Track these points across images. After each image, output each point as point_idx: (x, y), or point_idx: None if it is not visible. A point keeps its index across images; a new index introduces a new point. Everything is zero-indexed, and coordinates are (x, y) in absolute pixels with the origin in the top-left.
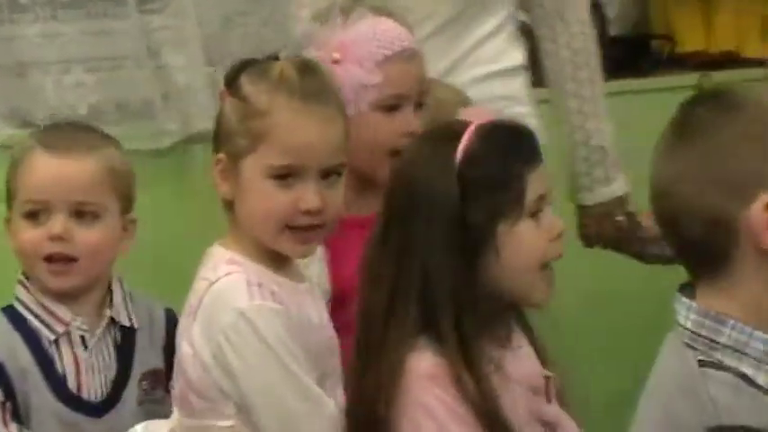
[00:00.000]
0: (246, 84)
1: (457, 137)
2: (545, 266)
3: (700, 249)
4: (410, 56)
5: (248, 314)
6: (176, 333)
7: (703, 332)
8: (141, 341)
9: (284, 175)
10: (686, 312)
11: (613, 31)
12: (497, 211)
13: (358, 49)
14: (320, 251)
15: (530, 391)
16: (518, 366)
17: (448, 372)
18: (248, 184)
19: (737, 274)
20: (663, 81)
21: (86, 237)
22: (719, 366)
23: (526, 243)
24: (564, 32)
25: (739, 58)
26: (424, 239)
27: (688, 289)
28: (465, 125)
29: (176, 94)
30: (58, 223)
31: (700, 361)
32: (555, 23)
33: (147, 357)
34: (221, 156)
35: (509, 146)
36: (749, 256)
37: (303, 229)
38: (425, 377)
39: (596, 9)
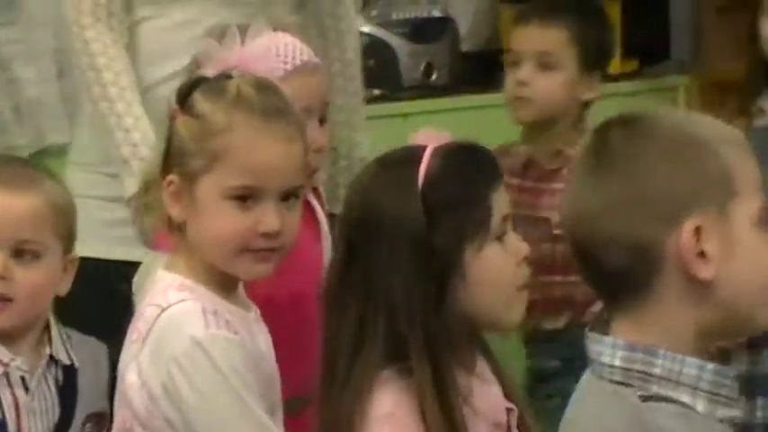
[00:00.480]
0: (201, 101)
1: (416, 160)
2: (518, 288)
3: (620, 279)
4: (312, 69)
5: (204, 343)
6: (119, 363)
7: (636, 366)
8: (84, 381)
9: (243, 197)
10: (611, 350)
11: (465, 46)
12: (464, 235)
13: (258, 66)
14: None
15: (493, 425)
16: (483, 397)
17: (408, 409)
18: (204, 205)
19: (661, 302)
20: None
21: (26, 277)
22: (661, 398)
23: (494, 268)
24: (336, 45)
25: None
26: (389, 266)
27: (599, 326)
28: (422, 149)
29: (28, 108)
30: None
31: (641, 396)
32: (329, 35)
33: (90, 399)
34: (173, 177)
35: (471, 166)
36: (674, 283)
37: (261, 250)
38: (383, 417)
39: (448, 25)
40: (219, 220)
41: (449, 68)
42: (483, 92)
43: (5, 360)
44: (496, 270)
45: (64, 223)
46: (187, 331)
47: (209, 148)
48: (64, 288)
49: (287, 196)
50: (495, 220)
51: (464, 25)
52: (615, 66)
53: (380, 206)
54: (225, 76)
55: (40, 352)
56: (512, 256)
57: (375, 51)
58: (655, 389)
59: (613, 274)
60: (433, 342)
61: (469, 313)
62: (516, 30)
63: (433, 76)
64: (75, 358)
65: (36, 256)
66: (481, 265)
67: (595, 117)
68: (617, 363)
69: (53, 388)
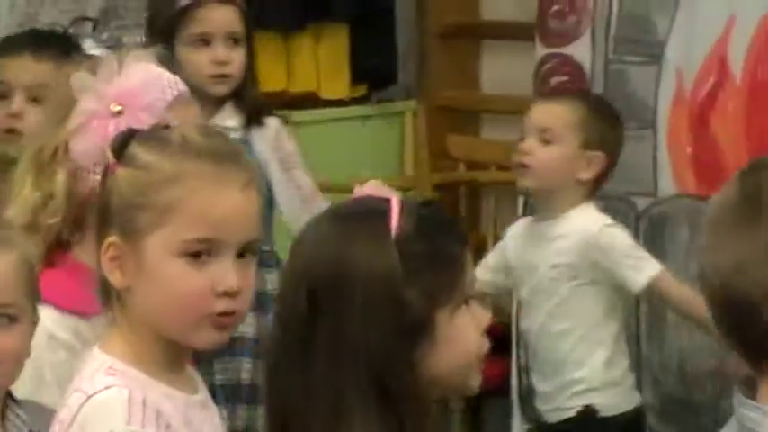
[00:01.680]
0: (143, 152)
1: (382, 213)
2: (478, 357)
3: None
4: (188, 100)
5: None
6: None
7: None
8: None
9: (198, 253)
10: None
11: None
12: (437, 292)
13: (141, 98)
14: None
15: None
16: None
17: None
18: (153, 267)
19: None
20: None
21: (5, 343)
22: None
23: (463, 331)
24: None
25: (318, 99)
26: (364, 322)
27: (744, 386)
28: (383, 201)
29: None
30: None
31: None
32: None
33: None
34: (113, 239)
35: (443, 224)
36: None
37: (224, 314)
38: None
39: None
40: (171, 283)
41: None
42: None
43: None
44: (464, 334)
45: (33, 284)
46: (106, 425)
47: (159, 200)
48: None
49: (243, 252)
50: (466, 281)
51: None
52: (344, 90)
53: (351, 259)
54: (162, 127)
55: (4, 421)
56: (477, 324)
57: None
58: None
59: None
60: (413, 404)
61: (435, 375)
62: None
63: None
64: None
65: (13, 319)
66: (451, 326)
67: (319, 142)
68: None
69: None
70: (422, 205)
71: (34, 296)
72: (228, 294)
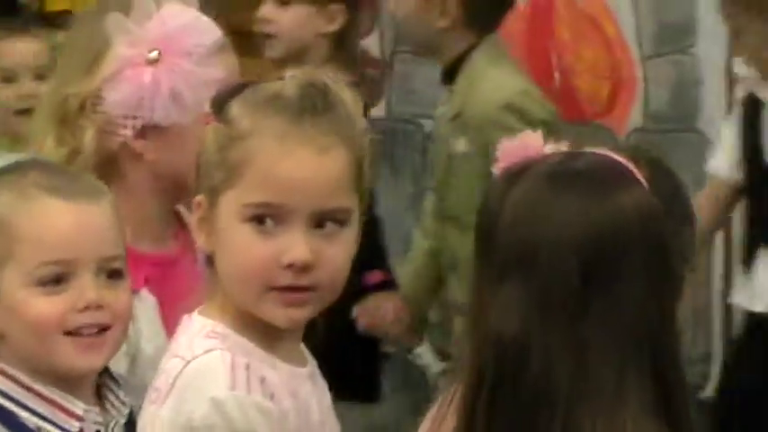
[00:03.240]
0: (235, 105)
1: (628, 171)
2: None
3: None
4: (227, 45)
5: (226, 407)
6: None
7: None
8: None
9: (262, 217)
10: None
11: None
12: (688, 256)
13: (182, 44)
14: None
15: None
16: None
17: None
18: (224, 230)
19: None
20: None
21: (119, 300)
22: None
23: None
24: None
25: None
26: (642, 300)
27: None
28: (612, 159)
29: None
30: None
31: None
32: None
33: None
34: (200, 198)
35: (673, 177)
36: None
37: (291, 289)
38: None
39: None
40: (236, 250)
41: None
42: None
43: (79, 413)
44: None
45: (124, 234)
46: (208, 390)
47: (230, 157)
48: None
49: (321, 221)
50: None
51: None
52: None
53: (624, 224)
54: (278, 78)
55: (102, 400)
56: None
57: None
58: None
59: None
60: (681, 379)
61: None
62: None
63: None
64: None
65: (120, 275)
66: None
67: None
68: None
69: None
70: (650, 161)
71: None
72: (296, 267)
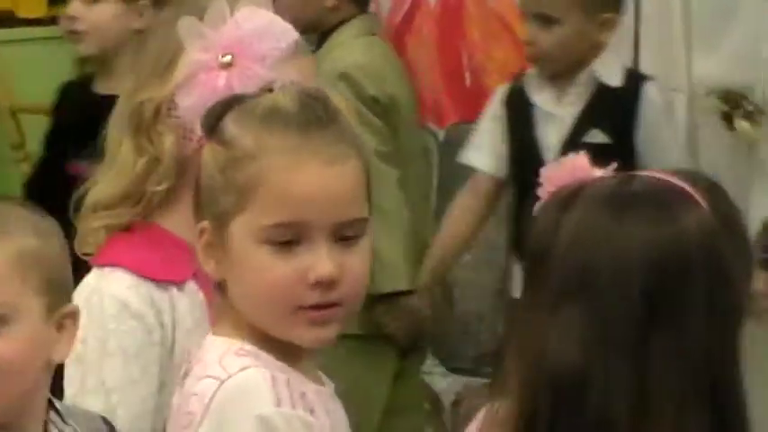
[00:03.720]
0: (230, 124)
1: (686, 194)
2: None
3: None
4: (305, 50)
5: (273, 423)
6: None
7: None
8: None
9: (283, 240)
10: None
11: None
12: (746, 284)
13: (257, 48)
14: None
15: None
16: None
17: None
18: (239, 255)
19: None
20: None
21: None
22: None
23: None
24: None
25: (15, 18)
26: (706, 325)
27: None
28: (670, 182)
29: None
30: None
31: None
32: None
33: None
34: (205, 224)
35: (727, 199)
36: None
37: (319, 307)
38: None
39: None
40: (257, 274)
41: None
42: None
43: None
44: None
45: (41, 274)
46: (253, 408)
47: (238, 179)
48: (61, 352)
49: (342, 234)
50: None
51: None
52: (42, 9)
53: (688, 248)
54: (265, 90)
55: None
56: None
57: None
58: None
59: None
60: (741, 406)
61: None
62: None
63: None
64: None
65: (3, 321)
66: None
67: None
68: None
69: None
70: (709, 185)
71: (53, 288)
72: (323, 284)
